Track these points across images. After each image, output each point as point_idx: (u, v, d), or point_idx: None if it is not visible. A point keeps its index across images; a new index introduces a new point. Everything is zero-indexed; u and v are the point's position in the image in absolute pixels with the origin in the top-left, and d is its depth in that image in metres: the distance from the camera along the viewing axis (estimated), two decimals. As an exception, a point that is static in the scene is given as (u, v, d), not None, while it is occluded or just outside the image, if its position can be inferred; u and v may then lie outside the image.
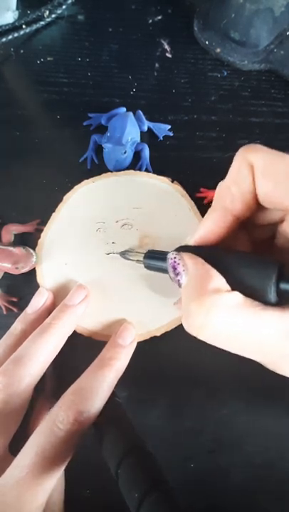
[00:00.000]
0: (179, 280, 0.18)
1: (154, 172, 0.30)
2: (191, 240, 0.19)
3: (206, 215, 0.19)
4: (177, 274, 0.18)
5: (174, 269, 0.18)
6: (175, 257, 0.18)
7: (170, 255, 0.19)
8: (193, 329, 0.16)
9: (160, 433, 0.25)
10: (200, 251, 0.18)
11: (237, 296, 0.15)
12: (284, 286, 0.15)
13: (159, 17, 0.38)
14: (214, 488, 0.24)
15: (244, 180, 0.17)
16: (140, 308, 0.25)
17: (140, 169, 0.30)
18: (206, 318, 0.15)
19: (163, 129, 0.32)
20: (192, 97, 0.34)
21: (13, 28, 0.37)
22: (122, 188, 0.28)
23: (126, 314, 0.25)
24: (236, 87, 0.35)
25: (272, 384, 0.25)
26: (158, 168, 0.30)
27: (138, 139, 0.31)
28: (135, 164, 0.30)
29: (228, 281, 0.16)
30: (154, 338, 0.24)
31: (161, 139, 0.32)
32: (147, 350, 0.24)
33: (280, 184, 0.16)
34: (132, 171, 0.29)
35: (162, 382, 0.26)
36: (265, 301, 0.16)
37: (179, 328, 0.24)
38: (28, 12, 0.38)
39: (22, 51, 0.37)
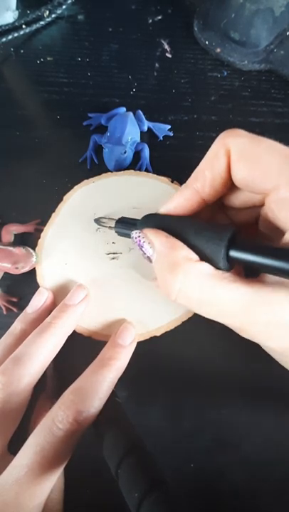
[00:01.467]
0: (148, 257, 0.19)
1: (154, 172, 0.30)
2: (160, 211, 0.20)
3: (178, 191, 0.20)
4: (145, 251, 0.19)
5: (141, 246, 0.19)
6: (139, 236, 0.20)
7: (134, 234, 0.20)
8: (169, 296, 0.18)
9: (160, 433, 0.25)
10: (165, 220, 0.19)
11: (206, 265, 0.17)
12: (234, 253, 0.16)
13: (159, 17, 0.38)
14: (214, 488, 0.24)
15: (218, 164, 0.17)
16: (140, 308, 0.25)
17: (140, 169, 0.30)
18: (181, 286, 0.17)
19: (163, 129, 0.32)
20: (192, 97, 0.34)
21: (13, 28, 0.37)
22: (122, 188, 0.28)
23: (126, 314, 0.25)
24: (236, 87, 0.35)
25: (271, 384, 0.25)
26: (158, 168, 0.30)
27: (138, 139, 0.31)
28: (135, 164, 0.30)
29: (192, 250, 0.17)
30: (154, 338, 0.24)
31: (161, 139, 0.32)
32: (147, 350, 0.24)
33: (255, 168, 0.16)
34: (132, 171, 0.29)
35: (162, 382, 0.26)
36: (218, 268, 0.17)
37: (179, 328, 0.24)
38: (28, 12, 0.38)
39: (22, 51, 0.37)
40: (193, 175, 0.19)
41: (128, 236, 0.21)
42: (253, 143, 0.16)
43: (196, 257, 0.17)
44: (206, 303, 0.16)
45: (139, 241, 0.19)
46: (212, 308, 0.16)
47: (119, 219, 0.23)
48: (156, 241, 0.18)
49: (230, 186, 0.18)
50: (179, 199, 0.19)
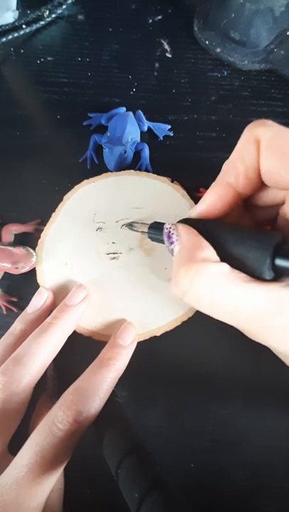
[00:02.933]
0: (172, 249, 0.18)
1: (154, 172, 0.30)
2: (193, 213, 0.19)
3: (209, 190, 0.19)
4: (171, 243, 0.19)
5: (169, 238, 0.19)
6: (170, 227, 0.19)
7: (166, 225, 0.20)
8: (179, 293, 0.17)
9: (160, 433, 0.25)
10: (199, 224, 0.19)
11: (223, 267, 0.16)
12: (280, 262, 0.15)
13: (159, 17, 0.38)
14: (214, 488, 0.24)
15: (249, 155, 0.17)
16: (140, 308, 0.25)
17: (140, 169, 0.30)
18: (191, 284, 0.16)
19: (163, 129, 0.32)
20: (192, 97, 0.34)
21: (13, 28, 0.37)
22: (122, 188, 0.28)
23: (126, 314, 0.25)
24: (236, 87, 0.35)
25: (271, 384, 0.25)
26: (158, 168, 0.30)
27: (138, 138, 0.31)
28: (135, 164, 0.30)
29: (224, 255, 0.17)
30: (154, 338, 0.24)
31: (161, 139, 0.32)
32: (147, 350, 0.24)
33: (282, 159, 0.16)
34: (131, 171, 0.29)
35: (162, 382, 0.26)
36: (260, 278, 0.16)
37: (179, 328, 0.24)
38: (28, 12, 0.38)
39: (22, 51, 0.37)
40: (223, 170, 0.18)
41: (160, 241, 0.21)
42: (282, 134, 0.16)
43: (216, 258, 0.17)
44: (217, 304, 0.16)
45: (169, 232, 0.19)
46: (224, 310, 0.16)
47: (152, 224, 0.22)
48: (184, 236, 0.18)
49: (261, 180, 0.17)
50: (212, 197, 0.18)
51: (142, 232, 0.24)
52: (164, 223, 0.21)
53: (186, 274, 0.16)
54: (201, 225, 0.18)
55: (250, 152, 0.16)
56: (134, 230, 0.25)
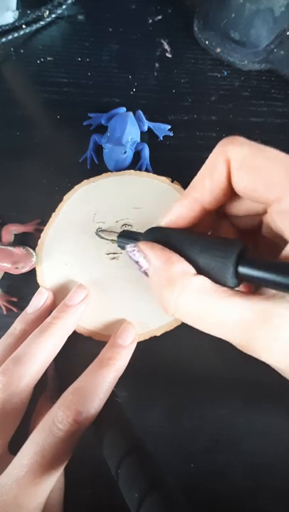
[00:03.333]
0: (144, 271, 0.18)
1: (154, 172, 0.30)
2: (161, 223, 0.20)
3: (178, 200, 0.19)
4: (141, 266, 0.18)
5: (136, 261, 0.19)
6: (133, 250, 0.19)
7: (128, 248, 0.19)
8: (169, 312, 0.17)
9: (160, 433, 0.25)
10: (167, 233, 0.19)
11: (204, 279, 0.16)
12: (243, 270, 0.15)
13: (159, 17, 0.38)
14: (214, 488, 0.24)
15: (218, 173, 0.17)
16: (140, 309, 0.25)
17: (140, 169, 0.30)
18: (176, 303, 0.16)
19: (163, 129, 0.32)
20: (192, 97, 0.34)
21: (13, 28, 0.37)
22: (122, 188, 0.28)
23: (126, 314, 0.25)
24: (236, 87, 0.35)
25: (271, 384, 0.25)
26: (158, 168, 0.30)
27: (138, 138, 0.31)
28: (135, 164, 0.30)
29: (194, 266, 0.17)
30: (154, 338, 0.24)
31: (161, 139, 0.32)
32: (147, 350, 0.24)
33: (257, 177, 0.16)
34: (131, 171, 0.29)
35: (162, 382, 0.26)
36: (225, 285, 0.16)
37: (179, 328, 0.24)
38: (28, 12, 0.38)
39: (22, 51, 0.37)
40: (191, 184, 0.18)
41: None
42: (254, 152, 0.16)
43: (193, 270, 0.17)
44: (205, 319, 0.16)
45: (134, 255, 0.19)
46: (211, 323, 0.16)
47: (121, 233, 0.22)
48: (151, 255, 0.18)
49: (231, 195, 0.18)
50: (179, 209, 0.19)
51: (112, 240, 0.24)
52: (135, 232, 0.21)
53: (170, 294, 0.16)
54: (168, 235, 0.19)
55: (219, 170, 0.17)
56: (103, 238, 0.26)
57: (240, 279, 0.16)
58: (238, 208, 0.19)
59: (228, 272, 0.16)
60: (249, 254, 0.16)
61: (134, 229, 0.27)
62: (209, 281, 0.16)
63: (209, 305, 0.15)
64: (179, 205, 0.19)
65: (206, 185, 0.18)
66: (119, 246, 0.22)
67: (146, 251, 0.18)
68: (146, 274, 0.18)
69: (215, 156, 0.17)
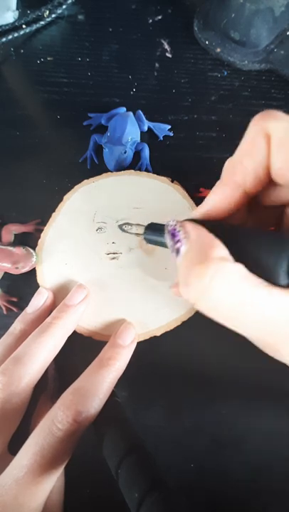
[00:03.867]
0: (178, 248, 0.16)
1: (154, 172, 0.30)
2: (196, 215, 0.18)
3: (214, 189, 0.17)
4: (177, 242, 0.16)
5: (174, 236, 0.16)
6: (176, 224, 0.17)
7: (170, 222, 0.17)
8: (192, 297, 0.14)
9: (160, 433, 0.25)
10: (208, 224, 0.17)
11: (242, 268, 0.14)
12: None
13: (159, 17, 0.38)
14: (214, 488, 0.24)
15: (259, 151, 0.15)
16: (140, 308, 0.25)
17: (140, 169, 0.30)
18: (209, 285, 0.14)
19: (163, 129, 0.32)
20: (192, 97, 0.34)
21: (13, 28, 0.37)
22: (122, 188, 0.28)
23: (126, 314, 0.25)
24: (236, 87, 0.35)
25: (271, 384, 0.25)
26: (158, 168, 0.30)
27: (138, 138, 0.31)
28: (135, 164, 0.30)
29: (237, 257, 0.15)
30: (154, 338, 0.24)
31: (161, 139, 0.32)
32: (147, 350, 0.24)
33: None
34: (132, 171, 0.29)
35: (162, 382, 0.26)
36: (273, 282, 0.14)
37: (179, 328, 0.24)
38: (28, 12, 0.38)
39: (22, 51, 0.37)
40: (228, 169, 0.16)
41: (159, 244, 0.19)
42: None
43: (232, 259, 0.14)
44: (238, 311, 0.14)
45: (174, 229, 0.17)
46: (243, 318, 0.14)
47: (149, 225, 0.20)
48: (194, 233, 0.16)
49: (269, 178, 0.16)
50: (217, 197, 0.17)
51: (137, 234, 0.23)
52: (162, 224, 0.19)
53: (201, 275, 0.14)
54: (207, 226, 0.16)
55: (260, 148, 0.15)
56: (128, 232, 0.25)
57: None
58: (266, 197, 0.17)
59: (281, 268, 0.14)
60: None
61: (134, 229, 0.27)
62: (247, 271, 0.14)
63: (245, 296, 0.13)
64: (217, 194, 0.17)
65: (247, 166, 0.16)
66: (145, 239, 0.20)
67: (190, 229, 0.16)
68: (177, 252, 0.16)
69: (253, 132, 0.15)
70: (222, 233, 0.16)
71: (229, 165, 0.16)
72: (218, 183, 0.17)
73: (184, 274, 0.15)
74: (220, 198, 0.17)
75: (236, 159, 0.16)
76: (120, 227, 0.25)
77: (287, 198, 0.17)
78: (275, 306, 0.13)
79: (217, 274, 0.14)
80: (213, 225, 0.17)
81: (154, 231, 0.20)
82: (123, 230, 0.25)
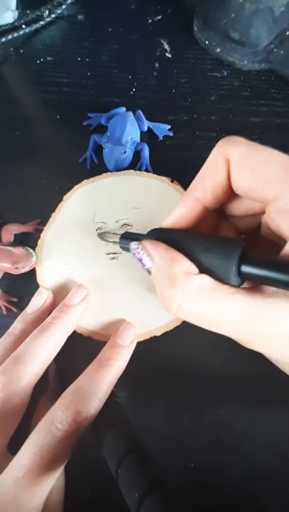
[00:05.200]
0: (147, 269, 0.19)
1: (154, 172, 0.30)
2: (164, 224, 0.20)
3: (180, 201, 0.19)
4: (144, 264, 0.19)
5: (140, 259, 0.19)
6: (138, 248, 0.19)
7: (132, 246, 0.20)
8: (172, 311, 0.17)
9: (160, 433, 0.25)
10: (170, 234, 0.19)
11: (206, 278, 0.16)
12: (245, 268, 0.16)
13: (159, 17, 0.38)
14: (214, 488, 0.24)
15: (218, 173, 0.17)
16: (140, 308, 0.25)
17: (140, 169, 0.30)
18: (181, 301, 0.16)
19: (163, 129, 0.32)
20: (192, 97, 0.34)
21: (13, 28, 0.37)
22: (122, 188, 0.28)
23: (126, 314, 0.25)
24: (236, 87, 0.35)
25: (271, 384, 0.25)
26: (158, 168, 0.30)
27: (138, 138, 0.31)
28: (135, 164, 0.30)
29: (196, 265, 0.17)
30: (154, 338, 0.24)
31: (161, 139, 0.32)
32: (147, 350, 0.24)
33: (255, 177, 0.16)
34: (132, 171, 0.29)
35: (162, 382, 0.26)
36: (228, 284, 0.16)
37: (179, 328, 0.24)
38: (28, 12, 0.38)
39: (22, 51, 0.37)
40: (193, 184, 0.19)
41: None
42: (252, 151, 0.16)
43: (195, 270, 0.17)
44: (207, 317, 0.16)
45: (138, 253, 0.19)
46: (213, 321, 0.16)
47: (123, 234, 0.22)
48: (155, 253, 0.18)
49: (231, 194, 0.18)
50: (181, 209, 0.19)
51: (114, 242, 0.24)
52: (136, 233, 0.21)
53: (173, 294, 0.17)
54: (172, 235, 0.19)
55: (219, 169, 0.17)
56: (106, 240, 0.26)
57: (243, 277, 0.16)
58: (238, 208, 0.19)
59: (231, 271, 0.16)
60: (251, 253, 0.16)
61: (134, 229, 0.27)
62: (211, 280, 0.16)
63: (211, 303, 0.16)
64: (180, 206, 0.19)
65: (207, 184, 0.18)
66: (121, 247, 0.22)
67: (151, 249, 0.18)
68: (149, 272, 0.19)
69: (214, 155, 0.17)
70: (183, 243, 0.18)
71: (193, 182, 0.19)
72: (182, 196, 0.19)
73: (159, 293, 0.18)
74: (183, 210, 0.19)
75: (199, 177, 0.18)
76: (100, 235, 0.26)
77: (254, 209, 0.19)
78: (233, 308, 0.15)
79: (185, 291, 0.16)
80: (179, 233, 0.19)
81: (130, 240, 0.21)
82: (102, 239, 0.26)
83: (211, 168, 0.17)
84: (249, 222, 0.20)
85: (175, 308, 0.17)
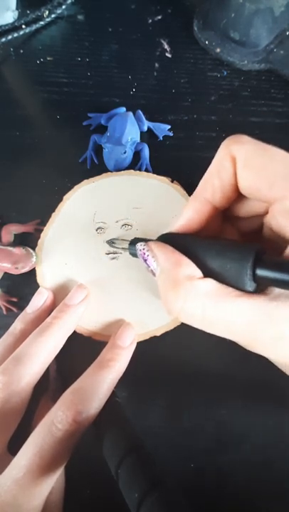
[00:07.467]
0: (152, 271, 0.19)
1: (154, 172, 0.30)
2: (173, 228, 0.20)
3: (187, 204, 0.19)
4: (149, 266, 0.19)
5: (145, 260, 0.19)
6: (143, 248, 0.19)
7: (138, 246, 0.19)
8: (172, 312, 0.17)
9: (160, 433, 0.25)
10: (180, 239, 0.19)
11: (209, 282, 0.16)
12: (261, 272, 0.15)
13: (159, 17, 0.38)
14: (214, 488, 0.24)
15: (225, 172, 0.17)
16: (140, 309, 0.25)
17: (140, 169, 0.30)
18: (183, 305, 0.16)
19: (163, 129, 0.32)
20: (192, 97, 0.34)
21: (13, 28, 0.37)
22: (122, 188, 0.28)
23: (126, 314, 0.25)
24: (236, 87, 0.35)
25: (271, 384, 0.25)
26: (158, 168, 0.30)
27: (138, 138, 0.31)
28: (135, 164, 0.30)
29: (206, 269, 0.17)
30: (154, 338, 0.24)
31: (161, 139, 0.32)
32: (147, 350, 0.24)
33: (261, 176, 0.16)
34: (131, 171, 0.29)
35: (162, 383, 0.26)
36: (241, 289, 0.16)
37: (179, 328, 0.24)
38: (28, 12, 0.38)
39: (22, 51, 0.37)
40: (200, 186, 0.19)
41: None
42: (258, 150, 0.16)
43: (199, 274, 0.17)
44: (209, 321, 0.16)
45: (144, 254, 0.19)
46: (216, 326, 0.16)
47: (133, 240, 0.21)
48: (160, 256, 0.18)
49: (238, 193, 0.18)
50: (189, 212, 0.19)
51: (123, 248, 0.24)
52: (145, 239, 0.21)
53: (175, 298, 0.17)
54: (181, 240, 0.18)
55: (226, 168, 0.17)
56: (115, 247, 0.26)
57: (258, 282, 0.16)
58: (241, 209, 0.19)
59: (246, 275, 0.15)
60: (266, 256, 0.16)
61: (134, 229, 0.27)
62: (215, 284, 0.16)
63: (214, 308, 0.16)
64: (189, 209, 0.19)
65: (215, 185, 0.18)
66: (130, 254, 0.22)
67: (156, 251, 0.18)
68: (153, 273, 0.19)
69: (221, 155, 0.17)
70: (193, 247, 0.17)
71: (201, 182, 0.19)
72: (190, 198, 0.19)
73: (162, 296, 0.18)
74: (192, 212, 0.19)
75: (206, 178, 0.18)
76: (109, 242, 0.26)
77: (258, 209, 0.18)
78: (236, 312, 0.15)
79: (188, 295, 0.16)
80: (188, 238, 0.19)
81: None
82: (111, 246, 0.26)
83: (219, 168, 0.17)
84: (251, 224, 0.20)
85: (177, 312, 0.17)
